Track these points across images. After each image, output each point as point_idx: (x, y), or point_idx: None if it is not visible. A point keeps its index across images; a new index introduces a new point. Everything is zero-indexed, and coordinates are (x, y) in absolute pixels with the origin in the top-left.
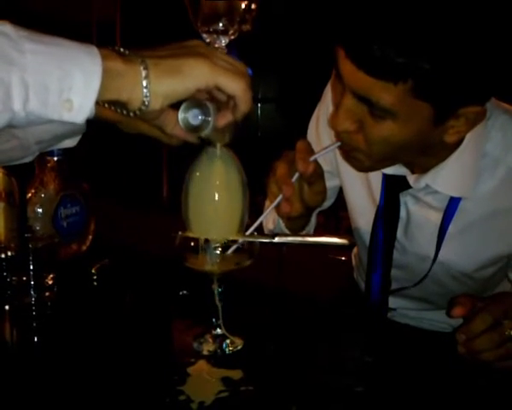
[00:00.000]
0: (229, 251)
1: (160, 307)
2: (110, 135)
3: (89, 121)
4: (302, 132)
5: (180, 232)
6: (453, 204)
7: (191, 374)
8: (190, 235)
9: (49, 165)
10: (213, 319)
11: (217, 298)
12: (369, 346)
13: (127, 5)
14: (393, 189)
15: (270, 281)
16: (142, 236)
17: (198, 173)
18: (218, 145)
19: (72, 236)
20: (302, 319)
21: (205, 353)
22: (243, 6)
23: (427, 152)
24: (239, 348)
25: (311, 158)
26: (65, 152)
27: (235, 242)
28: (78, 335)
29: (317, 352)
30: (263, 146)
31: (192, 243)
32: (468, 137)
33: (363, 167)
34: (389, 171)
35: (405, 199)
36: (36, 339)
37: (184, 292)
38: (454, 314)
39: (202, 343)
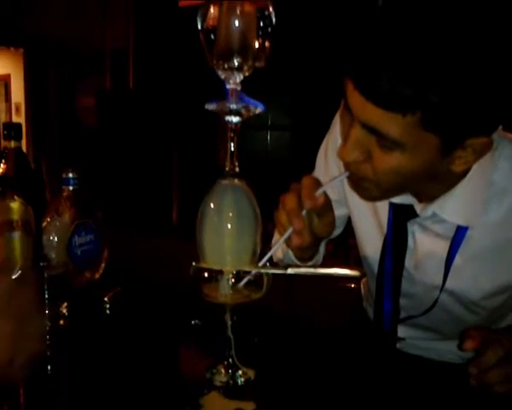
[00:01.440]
0: (242, 283)
1: (172, 337)
2: (122, 163)
3: (103, 151)
4: (311, 159)
5: (194, 263)
6: (460, 233)
7: (203, 405)
8: (204, 265)
9: (64, 194)
10: (226, 350)
11: (229, 329)
12: (380, 376)
13: (140, 34)
14: (401, 218)
15: (280, 309)
16: (154, 262)
17: (212, 205)
18: (232, 177)
19: (86, 264)
20: (313, 348)
21: (217, 384)
22: (257, 44)
23: (435, 181)
24: (251, 379)
25: (320, 190)
26: (80, 181)
27: (248, 273)
28: (91, 363)
29: (327, 382)
30: (272, 172)
31: (206, 274)
32: (476, 166)
33: (371, 197)
34: (396, 200)
35: (413, 228)
36: (49, 368)
37: (196, 322)
38: (465, 348)
39: (215, 374)
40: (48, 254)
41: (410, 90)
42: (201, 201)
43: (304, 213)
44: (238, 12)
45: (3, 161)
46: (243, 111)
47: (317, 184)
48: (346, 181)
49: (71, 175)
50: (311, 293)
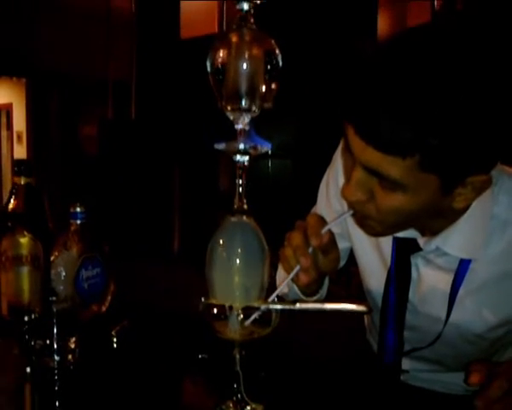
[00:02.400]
0: (250, 320)
1: (179, 371)
2: (122, 186)
3: (105, 179)
4: (312, 188)
5: (203, 298)
6: (463, 266)
7: None
8: (213, 301)
9: (72, 228)
10: (234, 385)
11: (238, 364)
12: (384, 408)
13: (142, 66)
14: (404, 251)
15: (285, 342)
16: (159, 293)
17: (221, 241)
18: (240, 214)
19: (93, 297)
20: (318, 382)
21: None
22: (265, 86)
23: (437, 217)
24: None
25: (325, 229)
26: (87, 215)
27: (256, 309)
28: (99, 398)
29: None
30: (274, 200)
31: (215, 310)
32: (476, 200)
33: (375, 233)
34: (400, 234)
35: (416, 261)
36: (58, 403)
37: (203, 355)
38: (471, 382)
39: (224, 409)
40: (55, 288)
41: (409, 134)
42: (203, 229)
43: (310, 250)
44: (246, 55)
45: (14, 196)
46: (251, 151)
47: (323, 221)
48: (349, 217)
49: (78, 209)
50: (314, 324)
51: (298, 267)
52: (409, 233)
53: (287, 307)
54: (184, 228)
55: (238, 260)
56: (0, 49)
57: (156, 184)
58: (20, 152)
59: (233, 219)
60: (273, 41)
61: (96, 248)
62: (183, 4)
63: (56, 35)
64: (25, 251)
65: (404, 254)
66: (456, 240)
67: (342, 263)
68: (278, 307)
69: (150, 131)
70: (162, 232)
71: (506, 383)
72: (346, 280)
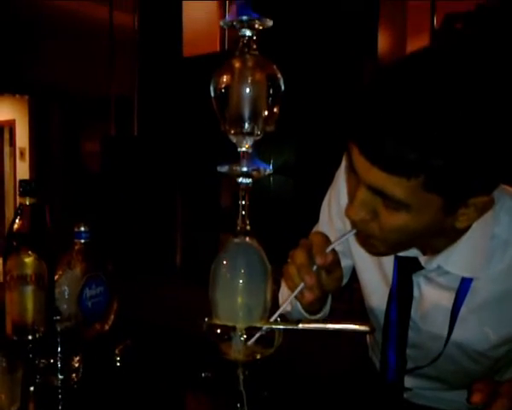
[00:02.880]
0: (253, 339)
1: (182, 389)
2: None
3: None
4: (313, 205)
5: (207, 319)
6: (465, 285)
7: None
8: (217, 322)
9: (76, 247)
10: (237, 405)
11: (241, 384)
12: None
13: (145, 82)
14: (406, 270)
15: (287, 360)
16: (162, 311)
17: (224, 262)
18: (243, 235)
19: (96, 316)
20: (321, 400)
21: None
22: (267, 110)
23: (439, 236)
24: None
25: (329, 248)
26: (91, 234)
27: (259, 329)
28: None
29: None
30: (275, 217)
31: (218, 331)
32: (478, 220)
33: (378, 252)
34: (401, 253)
35: (418, 280)
36: None
37: (206, 374)
38: (473, 401)
39: None
40: (59, 307)
41: (413, 155)
42: (205, 246)
43: (314, 268)
44: (249, 81)
45: (19, 217)
46: (254, 173)
47: (327, 240)
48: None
49: (82, 229)
50: (317, 342)
51: (302, 285)
52: (410, 252)
53: (289, 327)
54: (186, 245)
55: (241, 281)
56: (2, 66)
57: (158, 200)
58: (23, 168)
59: (236, 240)
60: (275, 66)
61: (100, 267)
62: (185, 22)
63: (58, 51)
64: (29, 271)
65: (405, 272)
66: (457, 259)
67: (345, 281)
68: (281, 327)
69: (153, 148)
70: (164, 249)
71: (508, 402)
72: (349, 296)
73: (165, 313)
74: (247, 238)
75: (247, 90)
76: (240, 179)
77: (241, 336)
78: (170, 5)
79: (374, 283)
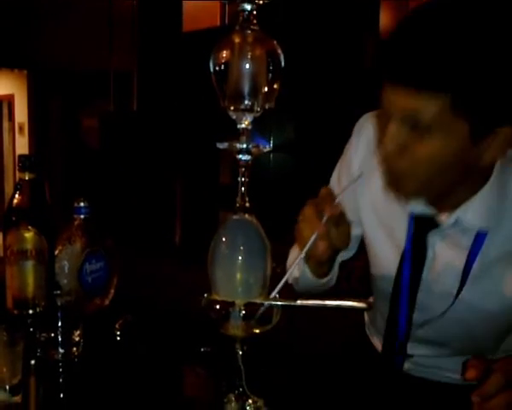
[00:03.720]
0: (256, 316)
1: (182, 363)
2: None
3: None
4: (313, 181)
5: (206, 295)
6: (478, 241)
7: None
8: (216, 298)
9: (75, 223)
10: (236, 379)
11: (239, 359)
12: (386, 402)
13: (144, 58)
14: (421, 229)
15: (285, 336)
16: (162, 287)
17: (224, 239)
18: (242, 212)
19: (96, 291)
20: (320, 377)
21: None
22: (267, 86)
23: (462, 181)
24: (261, 408)
25: (339, 197)
26: (91, 209)
27: (258, 305)
28: (103, 390)
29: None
30: (275, 195)
31: (217, 306)
32: (495, 174)
33: (407, 195)
34: (418, 209)
35: (433, 239)
36: (62, 396)
37: (206, 349)
38: (467, 377)
39: (226, 403)
40: (60, 282)
41: (442, 69)
42: (204, 223)
43: (324, 219)
44: (249, 56)
45: (18, 192)
46: (253, 150)
47: (334, 194)
48: (361, 200)
49: (82, 204)
50: (315, 320)
51: (313, 236)
52: (426, 211)
53: (288, 303)
54: (185, 223)
55: (240, 258)
56: (1, 41)
57: (157, 177)
58: (22, 143)
59: (235, 217)
60: (275, 42)
61: (100, 242)
62: None
63: (58, 27)
64: (29, 245)
65: (421, 232)
66: (475, 212)
67: (352, 252)
68: (280, 303)
69: (152, 124)
70: (164, 226)
71: (502, 378)
72: (347, 275)
73: (164, 290)
74: (247, 215)
75: (247, 65)
76: (239, 156)
77: (240, 311)
78: None
79: (384, 250)
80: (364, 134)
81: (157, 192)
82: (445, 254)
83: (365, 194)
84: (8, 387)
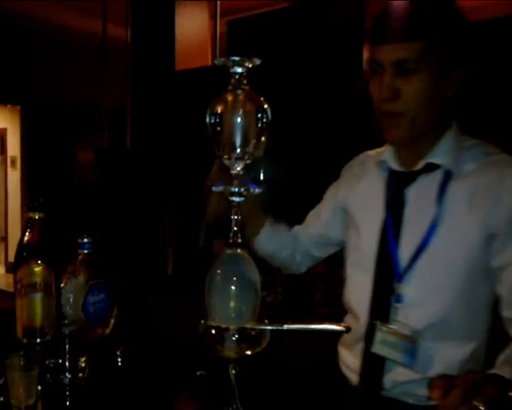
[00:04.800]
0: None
1: (180, 386)
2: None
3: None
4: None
5: (202, 321)
6: (445, 180)
7: None
8: (212, 324)
9: (79, 257)
10: (230, 398)
11: (233, 379)
12: None
13: (137, 94)
14: (399, 184)
15: (276, 354)
16: (159, 316)
17: (219, 271)
18: (235, 247)
19: (98, 320)
20: (309, 392)
21: None
22: (255, 141)
23: (435, 121)
24: None
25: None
26: (93, 245)
27: (249, 329)
28: None
29: None
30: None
31: (213, 331)
32: (454, 126)
33: (401, 136)
34: (395, 167)
35: (408, 191)
36: None
37: (201, 372)
38: (433, 397)
39: None
40: (65, 312)
41: (422, 27)
42: (197, 255)
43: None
44: (240, 112)
45: (28, 230)
46: (245, 192)
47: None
48: (349, 197)
49: (86, 240)
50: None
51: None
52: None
53: (275, 327)
54: (178, 255)
55: (233, 288)
56: None
57: (151, 211)
58: (14, 177)
59: (229, 251)
60: (263, 98)
61: (102, 276)
62: (177, 36)
63: (52, 63)
64: (38, 279)
65: (399, 185)
66: (441, 153)
67: (333, 249)
68: (268, 327)
69: (145, 160)
70: (156, 258)
71: (462, 392)
72: (333, 302)
73: (161, 320)
74: (239, 250)
75: (238, 120)
76: (232, 198)
77: (234, 335)
78: (162, 18)
79: (369, 221)
80: (348, 165)
81: (150, 224)
82: (419, 198)
83: (354, 193)
84: (23, 406)
